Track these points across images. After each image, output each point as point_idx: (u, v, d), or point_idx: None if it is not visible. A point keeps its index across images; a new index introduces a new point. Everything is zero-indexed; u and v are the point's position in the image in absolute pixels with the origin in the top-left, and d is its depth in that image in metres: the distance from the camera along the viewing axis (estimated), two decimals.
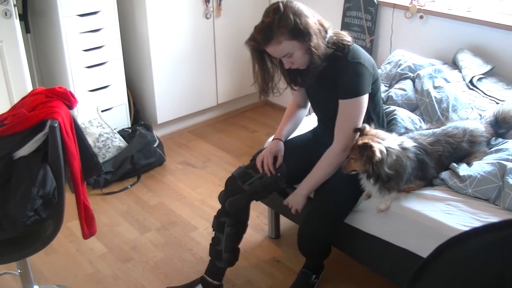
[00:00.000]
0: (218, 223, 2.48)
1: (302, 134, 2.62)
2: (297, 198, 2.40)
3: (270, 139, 2.64)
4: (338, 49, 2.21)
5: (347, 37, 2.26)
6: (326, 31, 2.21)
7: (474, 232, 0.85)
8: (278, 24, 2.09)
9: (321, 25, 2.20)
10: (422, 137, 2.33)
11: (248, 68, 2.32)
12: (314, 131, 2.60)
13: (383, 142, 2.15)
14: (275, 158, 2.43)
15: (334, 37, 2.22)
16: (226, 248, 2.47)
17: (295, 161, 2.44)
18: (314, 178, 2.35)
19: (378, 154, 2.09)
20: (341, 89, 2.22)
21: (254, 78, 2.32)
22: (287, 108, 2.61)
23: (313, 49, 2.13)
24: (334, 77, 2.22)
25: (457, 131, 2.38)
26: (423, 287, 0.93)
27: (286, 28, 2.09)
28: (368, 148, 2.10)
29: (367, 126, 2.21)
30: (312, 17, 2.17)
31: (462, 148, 2.37)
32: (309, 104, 2.59)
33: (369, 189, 2.26)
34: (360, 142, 2.15)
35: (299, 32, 2.11)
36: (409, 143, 2.22)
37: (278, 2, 2.16)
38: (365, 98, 2.22)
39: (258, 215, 3.18)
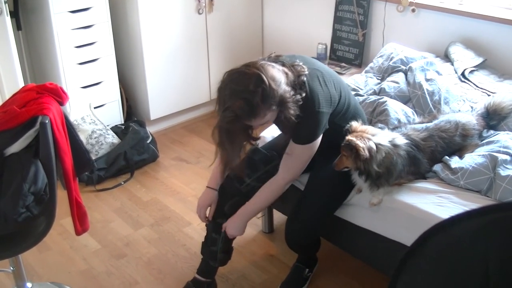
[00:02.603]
0: (215, 224, 2.46)
1: None
2: (237, 225, 2.38)
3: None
4: (300, 99, 2.07)
5: (304, 70, 2.09)
6: (291, 82, 2.05)
7: (457, 219, 0.86)
8: (265, 102, 1.95)
9: (286, 74, 2.04)
10: (415, 133, 2.33)
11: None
12: None
13: (373, 138, 2.13)
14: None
15: (295, 82, 2.06)
16: (222, 249, 2.45)
17: None
18: (255, 206, 2.35)
19: (362, 152, 2.07)
20: (295, 134, 2.17)
21: (228, 155, 2.23)
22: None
23: (292, 117, 2.03)
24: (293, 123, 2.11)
25: (449, 126, 2.38)
26: (409, 274, 0.94)
27: (273, 104, 1.98)
28: (353, 146, 2.09)
29: (353, 124, 2.18)
30: (284, 77, 2.02)
31: (455, 142, 2.37)
32: None
33: (359, 184, 2.26)
34: (346, 139, 2.13)
35: (283, 103, 2.00)
36: (401, 140, 2.20)
37: (255, 71, 1.96)
38: (317, 142, 2.19)
39: None
